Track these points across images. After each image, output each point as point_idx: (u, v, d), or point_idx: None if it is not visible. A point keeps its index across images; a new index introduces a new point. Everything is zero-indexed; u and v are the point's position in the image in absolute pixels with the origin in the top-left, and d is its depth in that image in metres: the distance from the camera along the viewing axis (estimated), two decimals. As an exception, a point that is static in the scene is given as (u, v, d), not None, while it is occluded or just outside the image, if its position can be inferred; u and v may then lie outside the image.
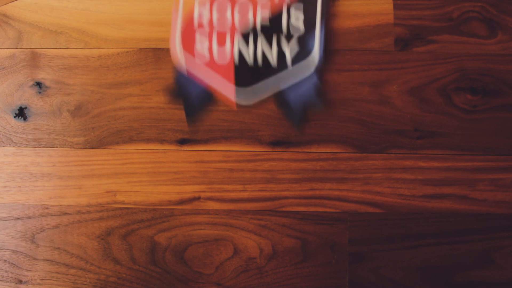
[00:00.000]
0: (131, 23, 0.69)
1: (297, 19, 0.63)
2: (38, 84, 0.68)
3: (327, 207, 0.64)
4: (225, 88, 0.63)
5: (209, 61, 0.64)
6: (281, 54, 0.63)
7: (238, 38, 0.64)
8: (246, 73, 0.63)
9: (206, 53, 0.64)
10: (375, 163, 0.65)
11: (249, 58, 0.63)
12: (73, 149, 0.67)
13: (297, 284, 0.64)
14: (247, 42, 0.63)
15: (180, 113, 0.65)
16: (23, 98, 0.68)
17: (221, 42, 0.64)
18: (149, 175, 0.66)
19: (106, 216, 0.65)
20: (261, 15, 0.63)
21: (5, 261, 0.65)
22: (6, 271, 0.65)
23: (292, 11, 0.63)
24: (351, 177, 0.65)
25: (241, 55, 0.63)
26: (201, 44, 0.64)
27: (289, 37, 0.63)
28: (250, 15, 0.64)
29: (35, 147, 0.67)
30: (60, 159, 0.67)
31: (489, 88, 0.66)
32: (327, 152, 0.65)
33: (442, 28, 0.67)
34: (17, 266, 0.65)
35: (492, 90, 0.66)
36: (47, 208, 0.66)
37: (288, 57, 0.63)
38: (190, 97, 0.63)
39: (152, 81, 0.67)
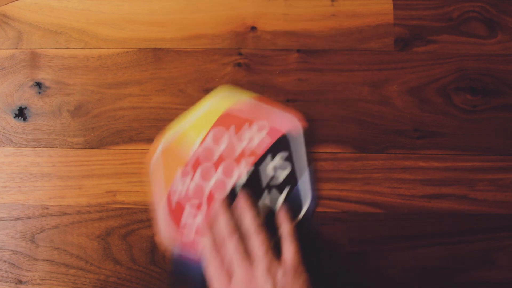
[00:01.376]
0: (131, 23, 0.69)
1: (284, 170, 0.61)
2: (38, 84, 0.68)
3: (327, 207, 0.64)
4: None
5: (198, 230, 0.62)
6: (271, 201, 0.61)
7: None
8: None
9: (194, 224, 0.61)
10: (375, 163, 0.65)
11: None
12: (73, 149, 0.67)
13: (297, 284, 0.64)
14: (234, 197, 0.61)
15: (180, 113, 0.65)
16: (23, 98, 0.68)
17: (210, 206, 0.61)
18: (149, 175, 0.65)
19: (106, 216, 0.65)
20: (246, 170, 0.61)
21: (5, 261, 0.65)
22: (6, 271, 0.65)
23: (278, 161, 0.61)
24: (351, 177, 0.65)
25: None
26: (188, 216, 0.61)
27: (279, 188, 0.61)
28: (236, 172, 0.61)
29: (35, 147, 0.67)
30: (60, 159, 0.66)
31: (489, 88, 0.66)
32: (327, 152, 0.65)
33: (442, 28, 0.67)
34: (17, 266, 0.65)
35: (492, 90, 0.66)
36: (47, 208, 0.66)
37: (280, 202, 0.61)
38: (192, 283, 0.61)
39: (152, 81, 0.67)
